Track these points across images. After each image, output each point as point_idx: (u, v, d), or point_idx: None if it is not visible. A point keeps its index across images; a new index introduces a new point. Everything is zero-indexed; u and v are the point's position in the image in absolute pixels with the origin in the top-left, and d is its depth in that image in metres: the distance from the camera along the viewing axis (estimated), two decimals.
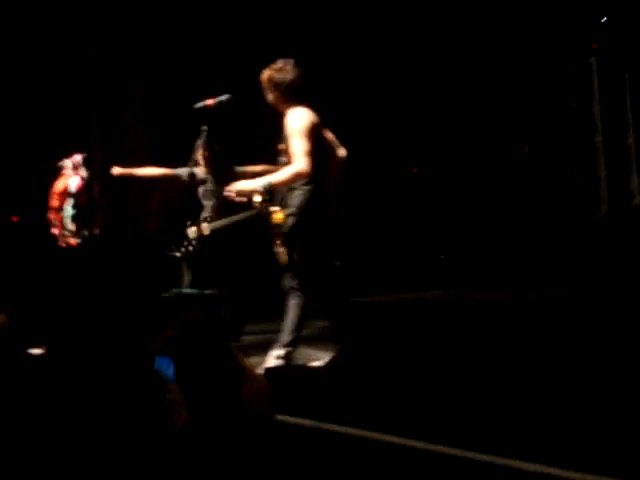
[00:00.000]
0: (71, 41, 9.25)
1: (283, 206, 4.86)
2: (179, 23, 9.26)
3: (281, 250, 4.88)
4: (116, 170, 6.76)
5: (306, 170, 4.74)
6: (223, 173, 6.64)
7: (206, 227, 6.41)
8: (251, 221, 5.46)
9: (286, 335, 4.93)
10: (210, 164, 6.70)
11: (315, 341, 5.83)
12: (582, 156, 7.84)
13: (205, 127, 4.96)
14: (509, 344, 4.02)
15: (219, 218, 6.42)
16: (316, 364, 5.14)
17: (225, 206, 6.43)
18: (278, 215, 4.85)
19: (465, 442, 3.44)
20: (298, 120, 4.79)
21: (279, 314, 5.15)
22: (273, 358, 4.95)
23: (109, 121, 9.22)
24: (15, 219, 8.77)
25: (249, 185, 4.79)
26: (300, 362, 5.09)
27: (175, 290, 6.57)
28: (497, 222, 8.47)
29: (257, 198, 4.81)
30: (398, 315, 4.55)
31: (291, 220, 4.82)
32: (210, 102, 5.03)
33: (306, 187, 4.83)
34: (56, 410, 2.94)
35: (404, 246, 8.89)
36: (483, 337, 4.14)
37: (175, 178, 6.53)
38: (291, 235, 4.82)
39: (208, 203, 6.70)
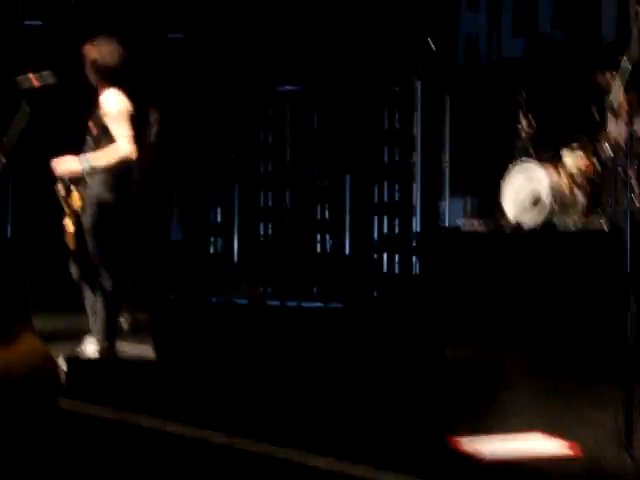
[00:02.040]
0: None
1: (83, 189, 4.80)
2: None
3: (70, 232, 4.81)
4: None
5: (130, 154, 4.72)
6: None
7: None
8: None
9: (101, 327, 4.85)
10: None
11: (130, 334, 5.77)
12: (400, 175, 8.16)
13: (24, 103, 4.79)
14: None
15: None
16: (129, 358, 5.10)
17: None
18: (77, 199, 4.80)
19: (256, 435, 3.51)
20: (118, 103, 4.80)
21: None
22: (89, 348, 4.86)
23: None
24: None
25: (72, 163, 4.72)
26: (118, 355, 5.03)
27: None
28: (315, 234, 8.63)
29: (60, 189, 4.80)
30: (210, 313, 4.61)
31: (93, 209, 4.76)
32: (34, 80, 4.87)
33: (112, 179, 4.79)
34: None
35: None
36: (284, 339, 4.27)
37: None
38: (94, 226, 4.76)
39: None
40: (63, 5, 8.85)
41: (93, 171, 4.72)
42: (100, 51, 4.87)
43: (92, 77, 4.90)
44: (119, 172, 4.78)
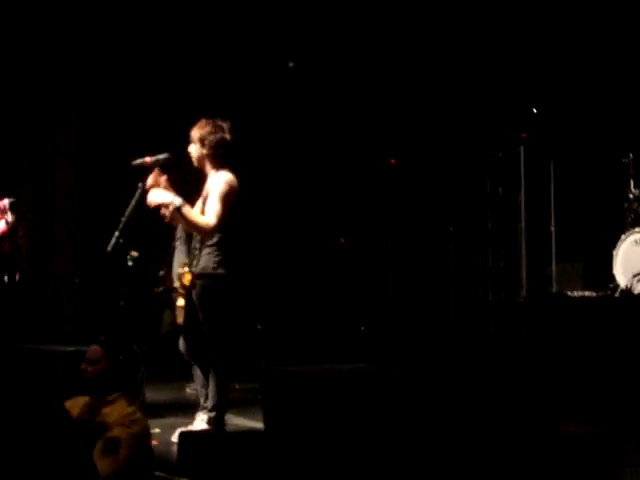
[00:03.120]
0: (6, 83, 9.18)
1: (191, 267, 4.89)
2: (122, 70, 9.26)
3: (182, 310, 4.88)
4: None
5: (211, 229, 4.76)
6: None
7: None
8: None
9: (211, 399, 4.89)
10: None
11: (238, 406, 5.80)
12: (505, 241, 8.06)
13: (141, 184, 4.93)
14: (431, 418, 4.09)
15: None
16: (237, 430, 5.12)
17: None
18: (187, 276, 4.87)
19: None
20: (225, 184, 4.82)
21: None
22: (199, 423, 4.90)
23: (39, 167, 9.12)
24: None
25: (165, 196, 4.74)
26: (226, 427, 5.05)
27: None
28: (420, 298, 8.60)
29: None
30: (321, 386, 4.59)
31: (203, 283, 4.82)
32: (148, 160, 5.00)
33: (222, 254, 4.85)
34: None
35: (327, 315, 8.95)
36: (405, 412, 4.20)
37: None
38: (207, 298, 4.82)
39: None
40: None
41: (176, 215, 4.72)
42: (208, 129, 4.90)
43: (198, 157, 4.93)
44: (229, 247, 4.86)
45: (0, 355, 6.49)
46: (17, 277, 7.37)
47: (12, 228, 7.38)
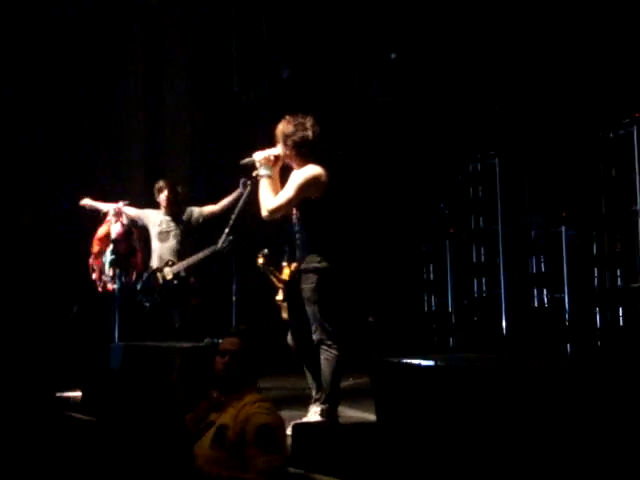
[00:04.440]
0: (112, 84, 9.48)
1: (290, 262, 4.92)
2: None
3: (283, 304, 4.92)
4: (84, 201, 7.42)
5: (270, 210, 4.81)
6: (182, 215, 7.19)
7: (169, 272, 6.67)
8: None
9: (323, 392, 4.91)
10: (171, 205, 7.12)
11: (350, 398, 5.81)
12: (621, 225, 7.81)
13: (249, 182, 5.01)
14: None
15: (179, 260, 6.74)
16: (350, 422, 5.13)
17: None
18: (286, 271, 4.91)
19: None
20: (306, 174, 4.83)
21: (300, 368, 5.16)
22: (313, 415, 4.93)
23: (153, 169, 9.36)
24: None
25: (262, 158, 4.90)
26: (339, 419, 5.07)
27: (209, 340, 6.63)
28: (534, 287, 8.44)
29: (260, 260, 4.96)
30: (433, 378, 4.54)
31: (312, 278, 4.84)
32: (256, 158, 5.06)
33: (326, 248, 4.87)
34: None
35: (439, 307, 8.88)
36: (512, 405, 4.12)
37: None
38: (315, 292, 4.84)
39: (164, 245, 6.95)
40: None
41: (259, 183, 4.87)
42: (293, 124, 4.89)
43: (284, 152, 4.94)
44: (331, 241, 4.87)
45: (119, 353, 6.70)
46: (134, 277, 7.60)
47: (127, 230, 7.62)
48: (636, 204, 7.47)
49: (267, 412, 3.62)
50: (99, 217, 7.62)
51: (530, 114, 8.23)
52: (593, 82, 7.69)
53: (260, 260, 5.02)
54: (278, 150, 4.94)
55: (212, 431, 3.62)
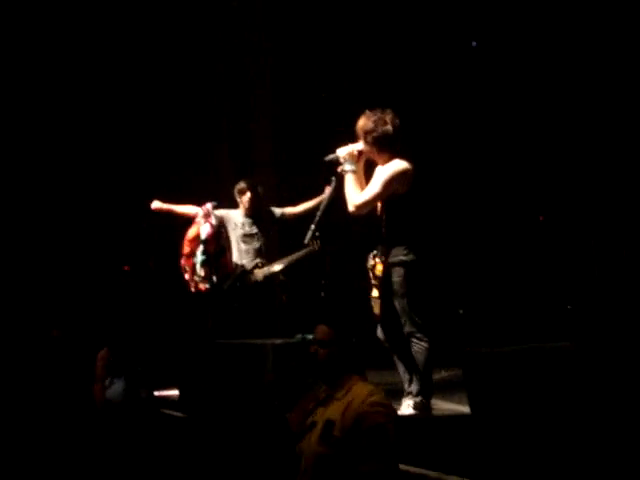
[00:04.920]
0: (203, 92, 9.63)
1: (383, 258, 4.91)
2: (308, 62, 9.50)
3: (377, 301, 4.92)
4: (155, 204, 7.42)
5: (357, 205, 4.83)
6: (263, 216, 7.20)
7: (259, 273, 6.68)
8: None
9: (415, 384, 4.92)
10: (253, 207, 7.11)
11: (443, 390, 5.80)
12: None
13: (334, 178, 5.04)
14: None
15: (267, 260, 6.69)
16: (444, 414, 5.12)
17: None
18: (379, 267, 4.90)
19: None
20: (392, 169, 4.83)
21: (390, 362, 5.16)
22: (406, 408, 4.94)
23: (239, 171, 9.49)
24: (126, 268, 9.09)
25: (346, 154, 4.95)
26: (433, 412, 5.06)
27: (300, 336, 6.70)
28: (628, 275, 8.24)
29: (371, 262, 4.95)
30: (526, 366, 4.49)
31: (399, 272, 4.84)
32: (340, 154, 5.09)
33: (411, 241, 4.85)
34: None
35: (529, 295, 8.76)
36: (606, 391, 4.04)
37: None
38: (403, 285, 4.83)
39: (249, 247, 7.03)
40: None
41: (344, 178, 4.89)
42: (372, 119, 4.90)
43: (366, 148, 4.94)
44: (417, 234, 4.86)
45: (217, 352, 6.83)
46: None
47: (217, 230, 7.75)
48: None
49: (383, 410, 3.41)
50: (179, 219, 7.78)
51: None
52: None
53: (371, 262, 4.96)
54: (361, 145, 4.96)
55: (319, 427, 3.44)
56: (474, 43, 8.77)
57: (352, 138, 5.06)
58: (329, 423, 3.40)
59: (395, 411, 3.61)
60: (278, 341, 6.73)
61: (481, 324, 8.16)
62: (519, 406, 4.30)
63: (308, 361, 3.62)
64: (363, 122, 4.92)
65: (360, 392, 3.45)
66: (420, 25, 9.02)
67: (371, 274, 4.95)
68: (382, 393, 3.54)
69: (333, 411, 3.45)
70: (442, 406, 5.40)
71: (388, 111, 4.90)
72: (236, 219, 7.47)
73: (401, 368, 5.01)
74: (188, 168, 9.55)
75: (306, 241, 5.22)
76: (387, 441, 3.34)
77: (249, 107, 9.78)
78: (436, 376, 6.03)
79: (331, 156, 5.05)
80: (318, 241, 5.17)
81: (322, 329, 3.59)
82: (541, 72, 8.63)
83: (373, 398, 3.43)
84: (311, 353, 3.58)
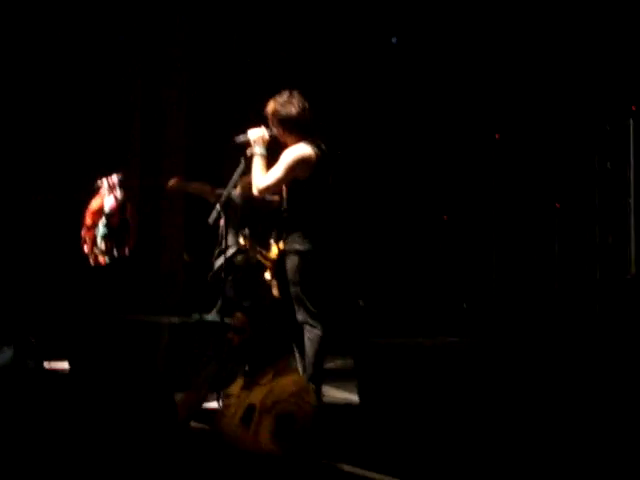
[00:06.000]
0: (114, 60, 9.43)
1: (278, 242, 4.93)
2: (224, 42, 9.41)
3: (273, 282, 4.94)
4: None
5: (261, 188, 4.82)
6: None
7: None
8: None
9: (307, 372, 4.94)
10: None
11: (336, 378, 5.84)
12: (614, 217, 7.82)
13: (242, 159, 5.01)
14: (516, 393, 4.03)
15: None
16: (334, 402, 5.16)
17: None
18: (274, 249, 4.93)
19: None
20: (294, 154, 4.81)
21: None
22: None
23: (147, 143, 9.35)
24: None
25: (256, 137, 4.90)
26: (323, 399, 5.09)
27: (196, 316, 6.66)
28: (525, 275, 8.45)
29: (241, 240, 4.94)
30: (417, 359, 4.58)
31: (295, 259, 4.83)
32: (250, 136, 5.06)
33: (307, 229, 4.87)
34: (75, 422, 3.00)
35: (429, 292, 8.90)
36: (490, 385, 4.16)
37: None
38: (297, 273, 4.83)
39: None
40: None
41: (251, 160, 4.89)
42: (279, 102, 4.88)
43: (276, 132, 4.92)
44: (315, 222, 4.87)
45: (109, 326, 6.73)
46: (126, 251, 7.61)
47: (121, 204, 7.62)
48: (629, 197, 7.48)
49: (298, 401, 3.57)
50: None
51: (527, 102, 8.22)
52: (592, 74, 7.69)
53: (241, 240, 5.02)
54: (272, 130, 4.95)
55: (241, 410, 3.64)
56: (394, 39, 8.85)
57: (263, 123, 5.04)
58: (250, 407, 3.59)
59: (311, 403, 3.71)
60: (175, 319, 6.69)
61: (379, 316, 8.26)
62: (406, 396, 4.38)
63: (225, 347, 3.77)
64: (270, 104, 4.92)
65: (284, 381, 3.62)
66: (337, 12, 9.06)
67: (261, 256, 4.95)
68: (304, 383, 3.76)
69: (255, 396, 3.62)
70: (333, 394, 5.44)
71: (295, 94, 4.88)
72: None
73: (297, 355, 5.02)
74: (97, 139, 9.35)
75: (211, 221, 5.18)
76: (292, 429, 3.50)
77: (162, 78, 9.60)
78: (330, 364, 6.08)
79: (242, 138, 5.01)
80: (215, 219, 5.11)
81: (238, 316, 3.76)
82: (450, 70, 8.78)
83: (293, 388, 3.60)
84: (227, 339, 3.75)
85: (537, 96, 8.13)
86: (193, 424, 3.98)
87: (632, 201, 7.45)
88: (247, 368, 3.79)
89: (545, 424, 4.01)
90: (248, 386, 3.72)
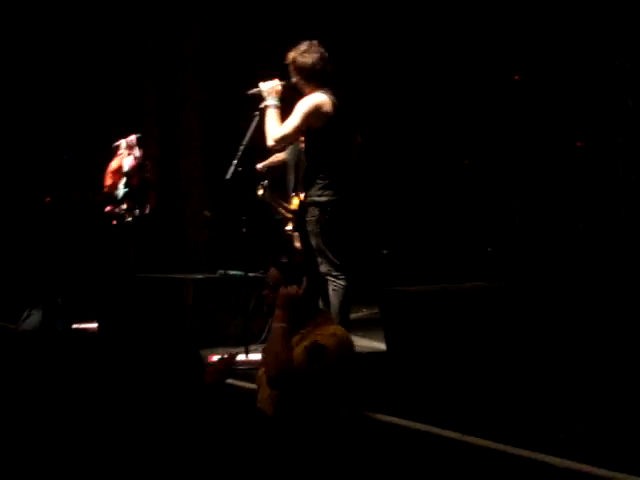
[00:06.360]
0: (127, 18, 9.36)
1: (298, 193, 4.92)
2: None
3: (295, 234, 4.95)
4: (260, 165, 6.41)
5: (276, 138, 4.80)
6: None
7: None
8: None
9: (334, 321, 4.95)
10: None
11: (362, 328, 5.87)
12: (637, 155, 7.71)
13: (257, 113, 4.99)
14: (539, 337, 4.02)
15: None
16: (361, 351, 5.18)
17: None
18: (294, 201, 4.92)
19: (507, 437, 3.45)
20: (309, 102, 4.79)
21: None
22: None
23: (164, 102, 9.32)
24: (47, 200, 8.88)
25: (268, 89, 4.91)
26: None
27: (222, 271, 6.67)
28: (549, 216, 8.40)
29: (260, 192, 4.96)
30: (441, 305, 4.58)
31: (315, 211, 4.82)
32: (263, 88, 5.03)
33: (326, 180, 4.83)
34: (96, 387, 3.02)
35: (453, 237, 8.87)
36: (519, 329, 4.15)
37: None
38: (318, 225, 4.82)
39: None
40: None
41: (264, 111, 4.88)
42: (298, 52, 4.85)
43: (295, 81, 4.90)
44: (333, 172, 4.84)
45: (135, 285, 6.77)
46: (147, 210, 7.62)
47: (140, 163, 7.63)
48: None
49: (331, 336, 3.48)
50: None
51: (548, 43, 8.09)
52: (613, 12, 7.54)
53: (260, 192, 5.01)
54: (281, 82, 4.93)
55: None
56: None
57: (275, 75, 5.02)
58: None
59: (349, 343, 3.63)
60: (199, 276, 6.71)
61: (403, 264, 8.26)
62: (434, 344, 4.39)
63: (262, 303, 3.70)
64: (291, 53, 4.89)
65: (323, 331, 3.53)
66: None
67: (282, 208, 4.95)
68: (345, 333, 3.62)
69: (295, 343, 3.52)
70: (360, 343, 5.46)
71: (314, 43, 4.85)
72: None
73: (321, 305, 5.04)
74: (112, 102, 9.32)
75: (228, 176, 5.16)
76: (323, 356, 3.39)
77: (177, 44, 9.54)
78: (356, 314, 6.10)
79: (254, 90, 4.99)
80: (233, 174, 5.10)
81: (272, 273, 3.66)
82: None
83: (331, 331, 3.54)
84: (263, 296, 3.67)
85: (558, 36, 7.99)
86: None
87: None
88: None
89: (569, 368, 4.01)
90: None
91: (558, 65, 8.18)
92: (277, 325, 3.51)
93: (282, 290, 3.55)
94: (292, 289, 3.54)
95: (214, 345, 5.59)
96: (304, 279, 3.60)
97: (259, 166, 6.34)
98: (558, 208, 8.34)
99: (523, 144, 8.60)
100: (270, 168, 5.90)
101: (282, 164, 5.79)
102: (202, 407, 2.89)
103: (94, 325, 6.58)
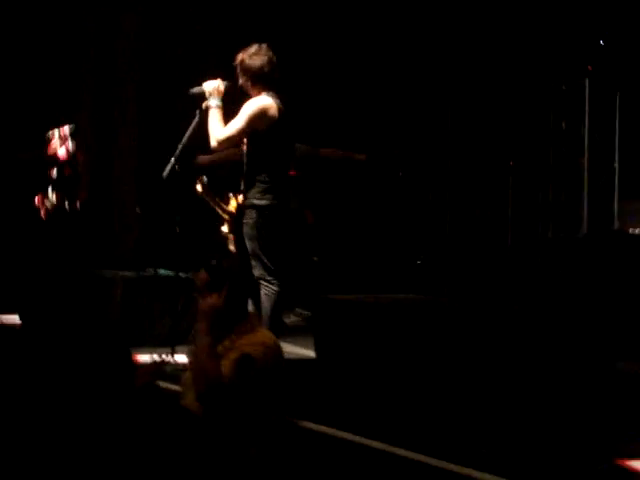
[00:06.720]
0: (64, 8, 9.18)
1: (237, 195, 4.91)
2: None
3: (230, 237, 4.93)
4: (201, 158, 6.44)
5: (219, 140, 4.79)
6: None
7: None
8: None
9: (263, 326, 4.93)
10: None
11: (291, 334, 5.85)
12: (567, 176, 7.90)
13: (198, 112, 4.96)
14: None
15: None
16: (289, 358, 5.17)
17: None
18: (232, 203, 4.91)
19: (425, 446, 3.48)
20: (255, 105, 4.80)
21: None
22: None
23: (99, 93, 9.16)
24: None
25: (211, 89, 4.88)
26: None
27: (151, 270, 6.59)
28: (478, 231, 8.53)
29: (199, 187, 4.95)
30: (373, 315, 4.60)
31: (253, 215, 4.82)
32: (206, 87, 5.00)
33: (266, 184, 4.83)
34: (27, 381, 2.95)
35: (383, 248, 8.94)
36: (446, 341, 4.20)
37: None
38: (255, 228, 4.81)
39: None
40: None
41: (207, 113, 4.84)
42: (247, 54, 4.87)
43: (241, 82, 4.91)
44: (274, 176, 4.84)
45: (62, 280, 6.64)
46: (77, 204, 7.47)
47: (72, 155, 7.47)
48: (583, 157, 7.54)
49: (259, 347, 3.39)
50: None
51: (482, 61, 8.22)
52: (547, 33, 7.70)
53: (199, 187, 4.96)
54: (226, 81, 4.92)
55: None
56: None
57: (219, 74, 4.99)
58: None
59: (279, 351, 3.58)
60: (129, 274, 6.62)
61: (333, 272, 8.28)
62: (363, 353, 4.41)
63: (191, 304, 3.62)
64: (240, 54, 4.90)
65: (252, 339, 3.44)
66: None
67: (219, 208, 4.92)
68: (275, 340, 3.55)
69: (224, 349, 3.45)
70: (289, 349, 5.45)
71: (263, 46, 4.86)
72: None
73: (254, 310, 5.01)
74: (47, 90, 9.13)
75: (165, 174, 5.11)
76: (252, 368, 3.32)
77: (113, 35, 9.37)
78: (287, 320, 6.09)
79: (196, 89, 4.96)
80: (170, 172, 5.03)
81: (200, 275, 3.54)
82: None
83: (260, 339, 3.45)
84: (193, 297, 3.61)
85: (493, 54, 8.13)
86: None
87: (585, 160, 7.53)
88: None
89: (495, 379, 4.08)
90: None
91: (493, 83, 8.32)
92: (201, 339, 3.41)
93: (202, 303, 3.46)
94: (212, 299, 3.44)
95: (140, 345, 5.51)
96: (225, 286, 3.47)
97: (201, 158, 6.33)
98: (488, 223, 8.49)
99: (456, 158, 8.73)
100: (214, 166, 5.87)
101: (226, 162, 5.77)
102: (132, 408, 2.84)
103: (17, 319, 6.44)
